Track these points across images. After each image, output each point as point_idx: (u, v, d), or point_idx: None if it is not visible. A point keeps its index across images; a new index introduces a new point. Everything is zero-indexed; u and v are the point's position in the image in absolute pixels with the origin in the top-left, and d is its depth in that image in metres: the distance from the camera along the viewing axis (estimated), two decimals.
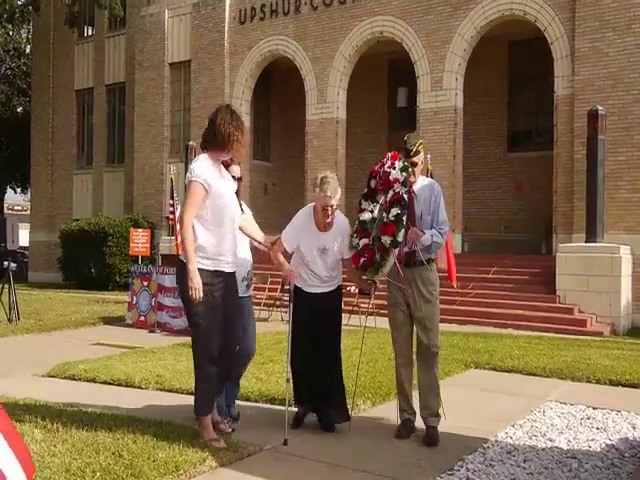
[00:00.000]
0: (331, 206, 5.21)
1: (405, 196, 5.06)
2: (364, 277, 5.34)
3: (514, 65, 18.03)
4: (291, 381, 5.38)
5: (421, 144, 5.39)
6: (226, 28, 19.72)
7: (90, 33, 25.44)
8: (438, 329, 5.35)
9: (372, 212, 5.28)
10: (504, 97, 18.24)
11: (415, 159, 5.28)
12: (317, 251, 5.36)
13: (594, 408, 6.26)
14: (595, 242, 12.87)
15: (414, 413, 5.34)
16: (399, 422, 5.31)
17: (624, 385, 7.27)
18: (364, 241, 5.23)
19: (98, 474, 4.07)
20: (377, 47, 17.70)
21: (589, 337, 11.18)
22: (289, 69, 19.19)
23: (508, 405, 6.36)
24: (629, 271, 13.07)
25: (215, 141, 4.82)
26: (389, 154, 5.28)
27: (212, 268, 4.77)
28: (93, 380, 7.26)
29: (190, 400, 5.23)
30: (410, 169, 5.18)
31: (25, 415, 5.32)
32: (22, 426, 4.97)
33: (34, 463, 3.00)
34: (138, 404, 6.02)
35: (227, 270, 4.87)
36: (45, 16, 25.22)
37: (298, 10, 18.42)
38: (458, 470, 4.54)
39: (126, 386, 6.90)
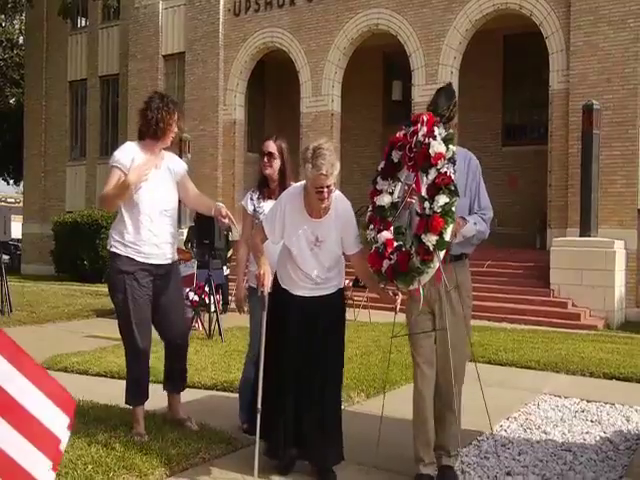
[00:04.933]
0: (327, 187, 4.00)
1: (454, 177, 3.77)
2: (386, 285, 4.09)
3: (509, 59, 17.99)
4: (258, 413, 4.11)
5: (455, 105, 4.05)
6: (220, 20, 19.61)
7: (83, 24, 25.26)
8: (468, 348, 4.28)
9: (392, 194, 4.08)
10: (499, 91, 18.20)
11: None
12: (307, 243, 4.20)
13: (588, 401, 6.26)
14: (589, 236, 12.87)
15: (433, 464, 4.15)
16: (415, 474, 4.11)
17: (618, 378, 7.29)
18: (385, 235, 3.99)
19: (90, 466, 4.04)
20: (372, 40, 17.62)
21: (583, 331, 11.20)
22: (284, 61, 19.10)
23: (502, 398, 6.35)
24: (623, 265, 13.08)
25: (149, 131, 4.70)
26: (424, 117, 3.89)
27: (125, 254, 4.65)
28: (86, 372, 7.23)
29: (184, 392, 5.21)
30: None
31: None
32: None
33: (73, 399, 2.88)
34: None
35: (138, 259, 4.66)
36: (38, 7, 25.00)
37: (293, 2, 18.30)
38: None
39: (119, 378, 6.82)
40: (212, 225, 9.27)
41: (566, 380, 7.28)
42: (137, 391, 4.79)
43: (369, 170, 19.28)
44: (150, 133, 4.69)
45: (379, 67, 20.06)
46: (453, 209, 3.73)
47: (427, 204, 3.77)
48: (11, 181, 37.49)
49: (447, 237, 3.72)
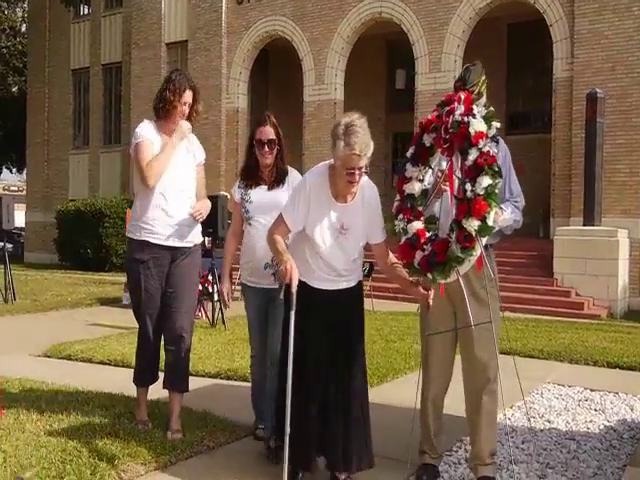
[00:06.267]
0: (359, 168, 3.62)
1: (497, 156, 3.47)
2: (419, 278, 3.71)
3: (513, 47, 17.93)
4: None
5: (484, 83, 3.77)
6: (223, 8, 19.53)
7: (86, 12, 25.21)
8: (496, 345, 3.85)
9: (422, 181, 3.78)
10: (502, 80, 18.12)
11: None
12: (332, 231, 3.78)
13: (592, 390, 6.27)
14: (593, 225, 12.86)
15: (439, 457, 4.15)
16: (419, 465, 4.10)
17: (622, 367, 7.29)
18: (416, 225, 3.70)
19: (94, 454, 4.04)
20: (375, 28, 17.55)
21: (586, 320, 11.19)
22: (287, 50, 19.03)
23: (506, 387, 6.32)
24: (626, 254, 13.07)
25: (156, 110, 4.56)
26: (461, 95, 3.61)
27: (137, 237, 4.50)
28: (89, 360, 7.26)
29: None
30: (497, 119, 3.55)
31: (21, 395, 5.29)
32: (18, 406, 4.93)
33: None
34: None
35: (153, 241, 4.47)
36: None
37: None
38: (456, 451, 4.54)
39: (123, 366, 6.87)
40: (215, 214, 9.28)
41: (569, 369, 7.28)
42: (144, 373, 4.76)
43: (372, 158, 19.20)
44: (157, 112, 4.57)
45: (382, 55, 19.99)
46: (496, 191, 3.42)
47: (468, 186, 3.43)
48: (14, 169, 37.53)
49: (490, 222, 3.40)
